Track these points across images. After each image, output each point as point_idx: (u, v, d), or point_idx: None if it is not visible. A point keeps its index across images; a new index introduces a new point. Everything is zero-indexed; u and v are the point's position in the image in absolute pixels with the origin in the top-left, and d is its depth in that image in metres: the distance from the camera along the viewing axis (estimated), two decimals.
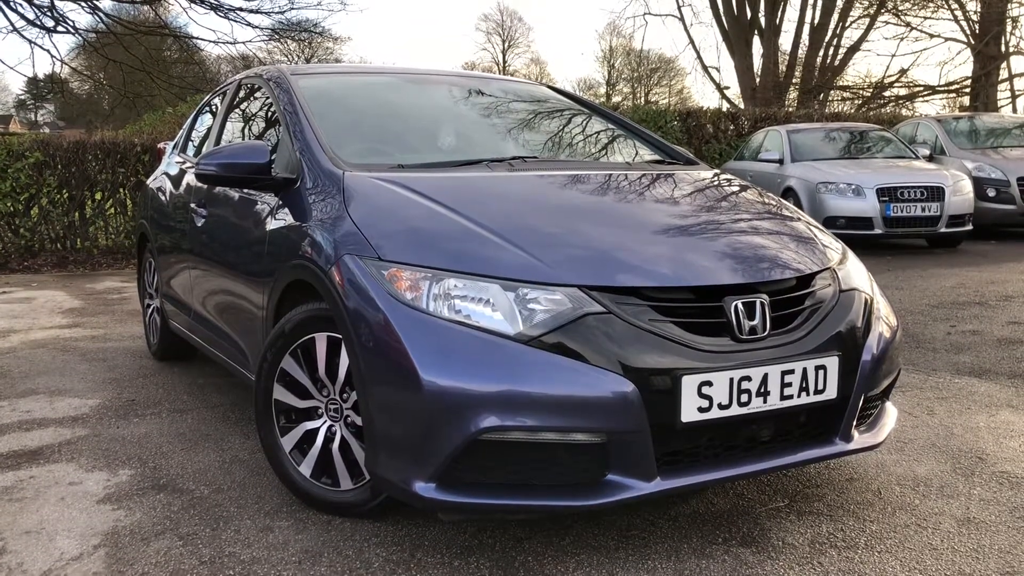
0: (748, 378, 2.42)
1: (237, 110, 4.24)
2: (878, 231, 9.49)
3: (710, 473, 2.45)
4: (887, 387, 2.97)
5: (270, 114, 3.73)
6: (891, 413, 3.03)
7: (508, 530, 2.62)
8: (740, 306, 2.47)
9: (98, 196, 10.71)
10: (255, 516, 2.79)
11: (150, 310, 5.21)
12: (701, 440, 2.45)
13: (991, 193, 10.85)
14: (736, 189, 3.38)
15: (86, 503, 2.92)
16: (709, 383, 2.37)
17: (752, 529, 2.67)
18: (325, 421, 2.80)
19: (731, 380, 2.40)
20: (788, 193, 10.29)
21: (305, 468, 2.82)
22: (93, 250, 10.54)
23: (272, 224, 3.16)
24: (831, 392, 2.58)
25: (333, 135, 3.28)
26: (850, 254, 3.08)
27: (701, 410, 2.36)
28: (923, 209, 9.45)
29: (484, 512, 2.40)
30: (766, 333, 2.49)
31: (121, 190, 10.80)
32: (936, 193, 9.48)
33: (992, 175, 10.92)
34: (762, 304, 2.50)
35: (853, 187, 9.60)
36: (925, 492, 2.95)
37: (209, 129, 4.56)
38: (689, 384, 2.34)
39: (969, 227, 9.78)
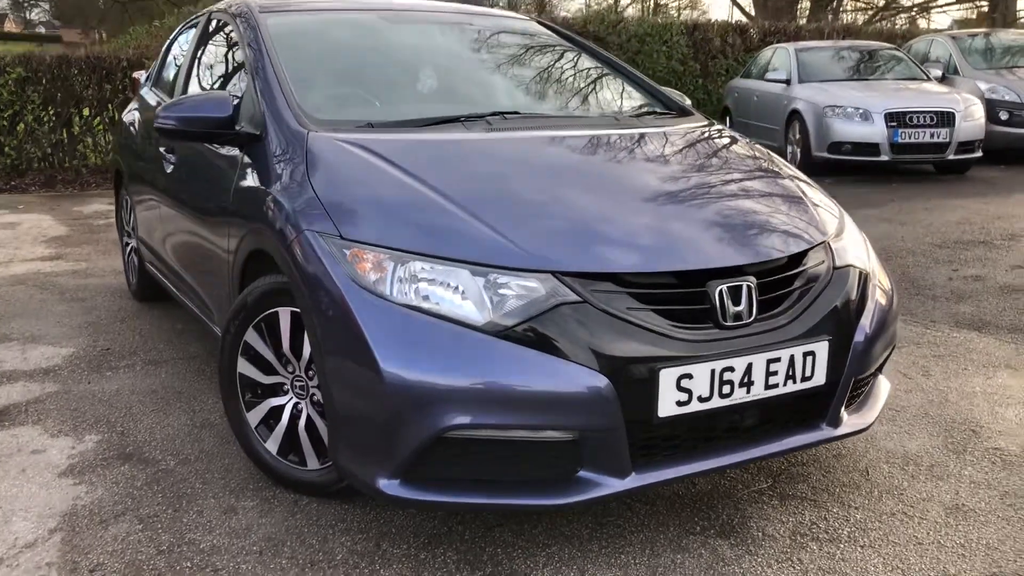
0: (731, 368, 2.29)
1: (206, 48, 4.00)
2: (884, 158, 9.23)
3: (687, 466, 2.34)
4: (880, 365, 2.84)
5: (237, 56, 3.50)
6: (883, 389, 2.91)
7: (478, 517, 2.53)
8: (725, 291, 2.31)
9: (85, 113, 10.42)
10: (220, 494, 2.70)
11: (128, 249, 5.06)
12: (679, 433, 2.33)
13: (1003, 116, 10.53)
14: (728, 148, 3.18)
15: (47, 476, 2.83)
16: (689, 375, 2.23)
17: (732, 516, 2.57)
18: (291, 398, 2.68)
19: (712, 372, 2.26)
20: (794, 116, 9.99)
21: (271, 445, 2.71)
22: (82, 169, 10.33)
23: (237, 181, 2.98)
24: (819, 379, 2.45)
25: (301, 85, 3.07)
26: (847, 221, 2.90)
27: (680, 404, 2.24)
28: (932, 135, 9.16)
29: (450, 509, 2.30)
30: (752, 319, 2.34)
31: (109, 106, 10.50)
32: (946, 119, 9.18)
33: (1006, 97, 10.57)
34: (749, 288, 2.35)
35: (861, 111, 9.29)
36: (915, 472, 2.84)
37: (179, 66, 4.33)
38: (667, 378, 2.21)
39: (978, 154, 9.51)
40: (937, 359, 3.94)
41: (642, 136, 3.09)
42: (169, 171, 3.78)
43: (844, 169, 9.57)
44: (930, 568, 2.32)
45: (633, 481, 2.26)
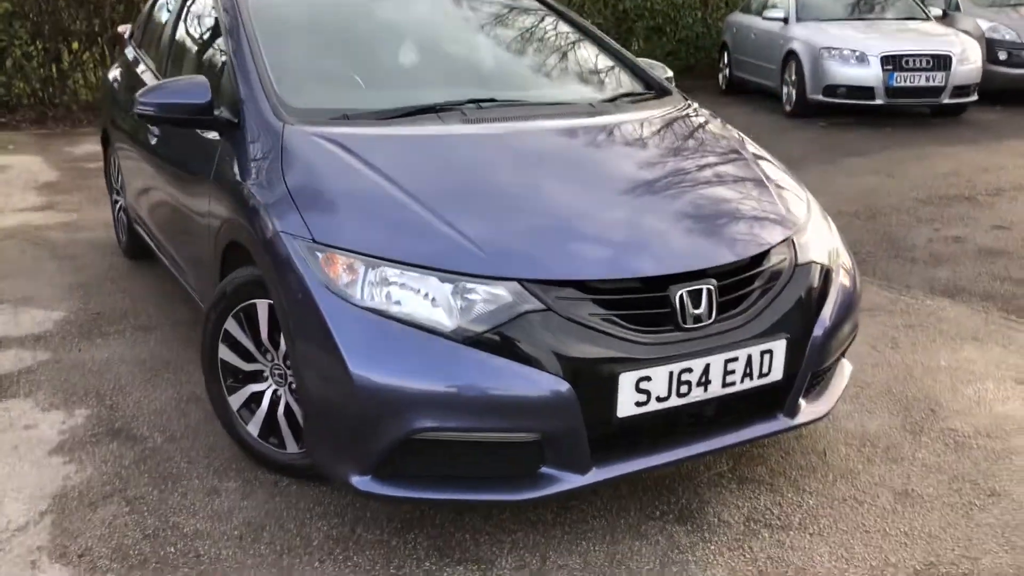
0: (689, 370, 2.39)
1: (188, 20, 3.99)
2: (879, 102, 9.19)
3: (646, 460, 2.46)
4: (841, 354, 2.94)
5: (218, 34, 3.50)
6: (844, 373, 3.01)
7: None
8: (686, 295, 2.40)
9: (74, 47, 10.31)
10: (204, 475, 2.82)
11: (117, 207, 5.11)
12: (639, 430, 2.44)
13: (1003, 56, 10.43)
14: (700, 137, 3.22)
15: (39, 453, 2.96)
16: (648, 378, 2.33)
17: (691, 500, 2.71)
18: (271, 385, 2.79)
19: (671, 373, 2.36)
20: (791, 57, 9.90)
21: (253, 428, 2.83)
22: (72, 105, 10.26)
23: (216, 165, 3.03)
24: (776, 375, 2.55)
25: (280, 69, 3.10)
26: (814, 209, 2.96)
27: (639, 404, 2.35)
28: (928, 79, 9.10)
29: (420, 504, 2.42)
30: (712, 320, 2.43)
31: (99, 40, 10.38)
32: (943, 62, 9.10)
33: (1006, 36, 10.46)
34: (709, 291, 2.43)
35: (857, 54, 9.21)
36: (870, 455, 2.97)
37: (163, 27, 4.31)
38: (627, 381, 2.31)
39: (974, 97, 9.45)
40: (907, 329, 4.04)
41: (616, 127, 3.13)
42: (153, 143, 3.82)
43: (839, 111, 9.53)
44: (873, 557, 2.45)
45: (593, 476, 2.38)
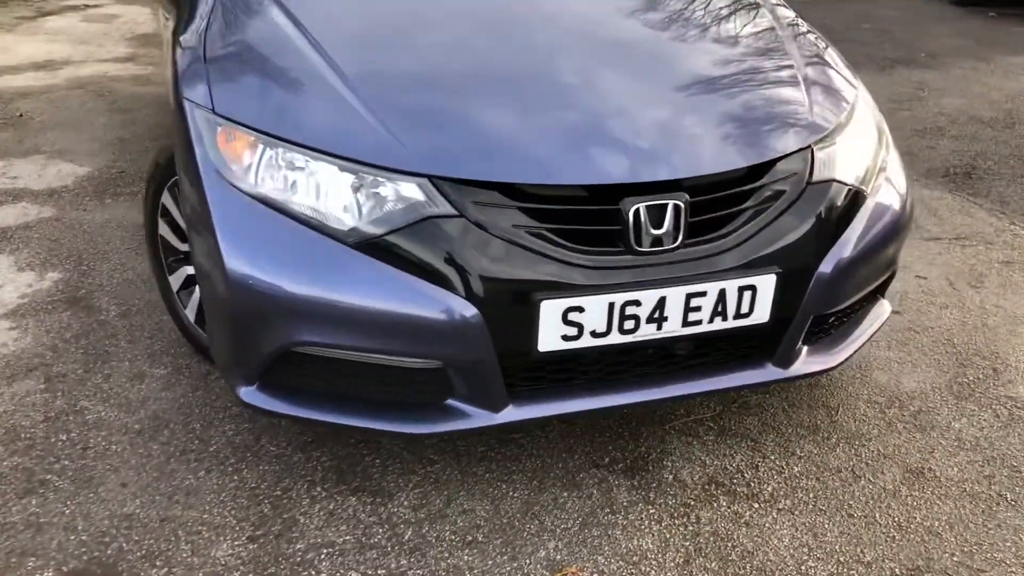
0: (636, 302, 1.95)
1: None
2: None
3: (577, 402, 2.07)
4: (873, 291, 2.42)
5: None
6: (877, 315, 2.48)
7: None
8: (644, 211, 1.94)
9: None
10: (138, 357, 2.63)
11: None
12: (571, 367, 2.05)
13: None
14: (729, 9, 2.64)
15: None
16: (579, 308, 1.92)
17: (651, 450, 2.31)
18: None
19: (611, 305, 1.94)
20: None
21: (190, 312, 2.60)
22: None
23: (173, 26, 2.73)
24: (760, 316, 2.08)
25: None
26: (861, 116, 2.38)
27: (567, 338, 1.94)
28: None
29: (310, 425, 2.14)
30: (676, 244, 1.97)
31: None
32: None
33: None
34: (677, 208, 1.96)
35: None
36: (893, 419, 2.46)
37: None
38: (550, 310, 1.90)
39: None
40: (1003, 267, 3.38)
41: None
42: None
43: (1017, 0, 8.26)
44: (842, 551, 2.01)
45: (509, 415, 2.02)
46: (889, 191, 2.34)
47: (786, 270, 2.06)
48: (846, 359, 2.33)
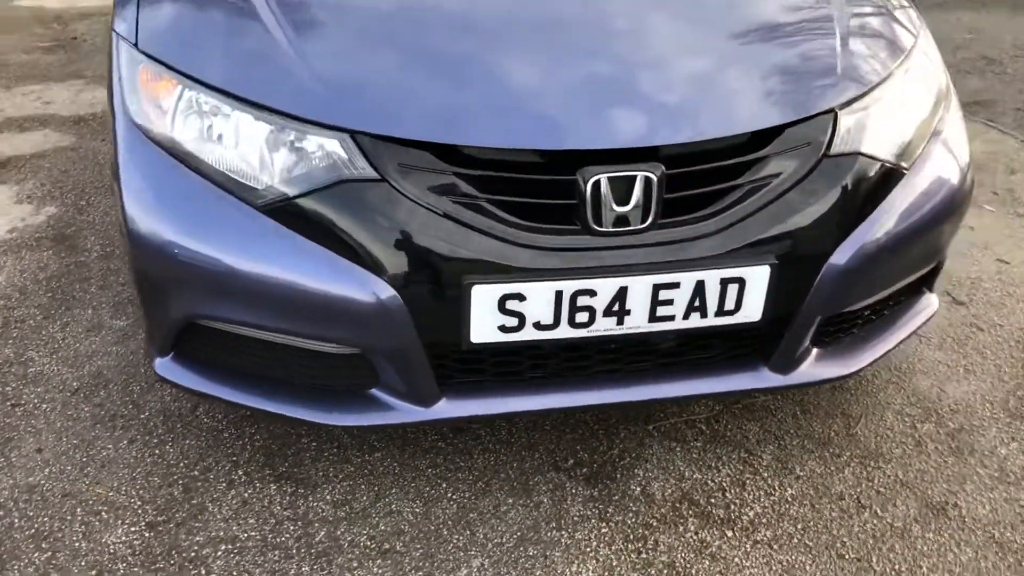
0: (590, 292, 1.65)
1: None
2: None
3: (527, 400, 1.79)
4: (915, 283, 2.04)
5: None
6: (918, 313, 2.09)
7: None
8: (606, 184, 1.62)
9: None
10: (102, 306, 2.49)
11: None
12: (518, 360, 1.77)
13: None
14: None
15: None
16: (519, 296, 1.63)
17: (625, 454, 2.01)
18: None
19: (558, 294, 1.64)
20: None
21: None
22: None
23: None
24: (751, 314, 1.75)
25: None
26: (912, 63, 1.96)
27: (505, 329, 1.66)
28: None
29: (229, 406, 1.92)
30: (646, 224, 1.65)
31: None
32: None
33: None
34: (648, 181, 1.63)
35: None
36: (923, 438, 2.08)
37: None
38: (483, 297, 1.62)
39: None
40: None
41: None
42: None
43: None
44: None
45: (441, 412, 1.76)
46: (941, 162, 1.93)
47: (785, 261, 1.70)
48: (867, 365, 1.95)
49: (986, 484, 1.95)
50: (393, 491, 1.89)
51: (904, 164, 1.85)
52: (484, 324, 1.64)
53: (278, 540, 1.77)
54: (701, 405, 2.14)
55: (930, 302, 2.12)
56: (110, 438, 2.01)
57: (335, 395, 1.79)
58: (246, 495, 1.87)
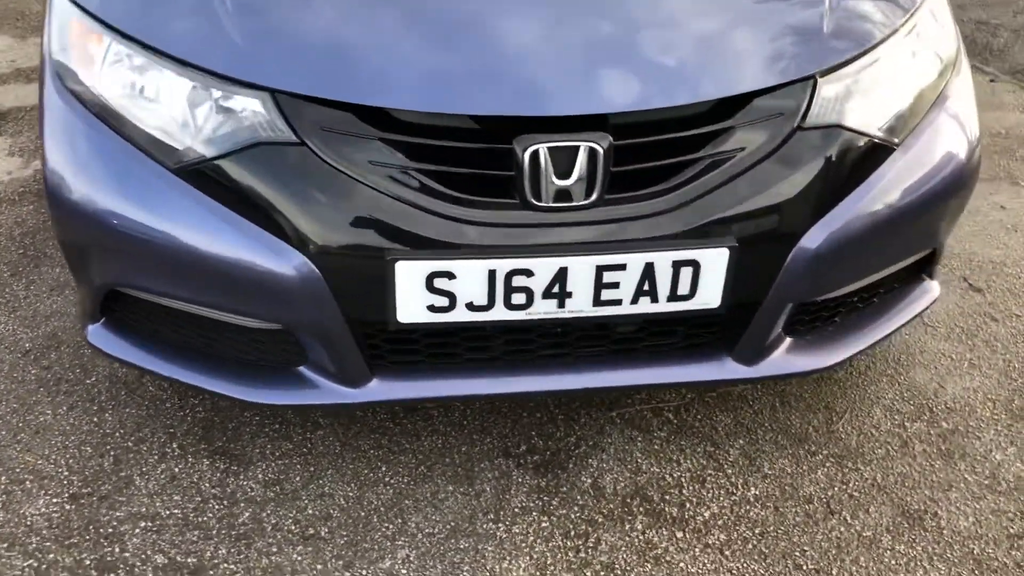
0: (527, 272, 1.52)
1: None
2: None
3: (466, 384, 1.68)
4: (914, 269, 1.87)
5: None
6: (911, 302, 1.91)
7: None
8: (544, 154, 1.48)
9: None
10: (54, 271, 2.42)
11: None
12: (456, 341, 1.65)
13: None
14: None
15: None
16: (448, 274, 1.51)
17: (583, 441, 1.89)
18: None
19: (491, 273, 1.52)
20: None
21: None
22: None
23: None
24: (706, 300, 1.60)
25: None
26: (916, 22, 1.76)
27: (435, 309, 1.54)
28: None
29: (156, 378, 1.85)
30: (591, 200, 1.51)
31: None
32: None
33: None
34: (592, 153, 1.48)
35: None
36: (912, 438, 1.92)
37: None
38: (409, 274, 1.50)
39: None
40: None
41: None
42: None
43: None
44: None
45: (372, 394, 1.67)
46: (942, 137, 1.75)
47: (747, 243, 1.55)
48: (849, 358, 1.79)
49: (973, 492, 1.78)
50: (329, 472, 1.80)
51: (895, 139, 1.67)
52: (411, 303, 1.53)
53: (200, 519, 1.69)
54: (671, 392, 2.00)
55: (928, 290, 1.93)
56: (50, 403, 1.95)
57: (263, 371, 1.70)
58: (176, 469, 1.79)
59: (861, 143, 1.63)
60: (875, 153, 1.65)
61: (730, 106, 1.55)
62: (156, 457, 1.82)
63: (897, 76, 1.70)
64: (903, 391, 2.03)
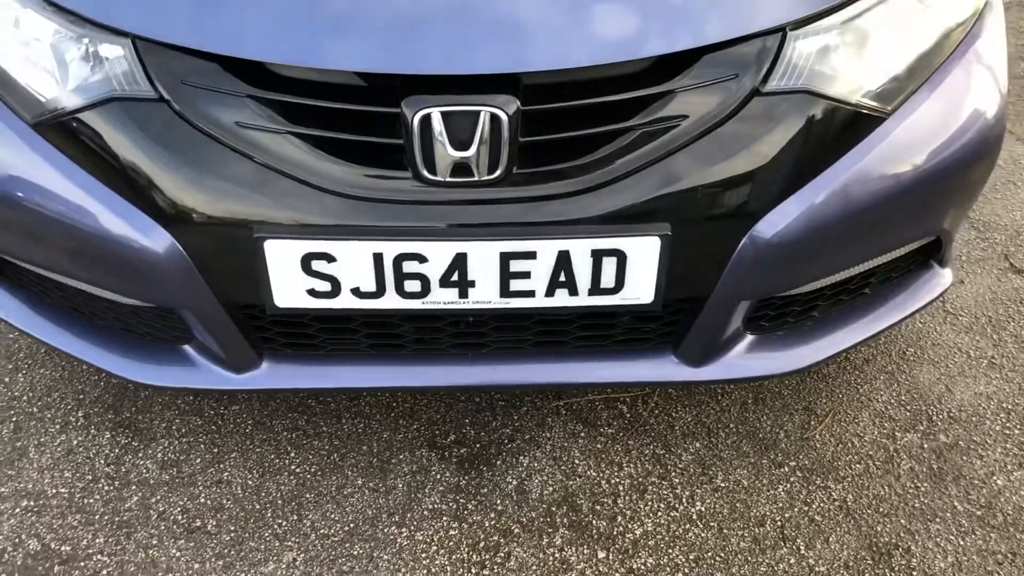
0: (420, 257, 1.31)
1: None
2: None
3: (366, 374, 1.51)
4: (923, 254, 1.60)
5: None
6: (916, 292, 1.64)
7: None
8: (437, 120, 1.25)
9: None
10: None
11: None
12: (356, 328, 1.47)
13: None
14: None
15: None
16: (327, 256, 1.31)
17: (519, 434, 1.70)
18: None
19: (377, 257, 1.31)
20: None
21: None
22: None
23: None
24: (636, 294, 1.37)
25: None
26: None
27: (316, 294, 1.35)
28: None
29: (40, 344, 1.71)
30: (496, 174, 1.28)
31: None
32: None
33: None
34: (495, 119, 1.25)
35: None
36: (899, 452, 1.66)
37: None
38: (281, 254, 1.32)
39: None
40: None
41: None
42: None
43: None
44: None
45: (256, 381, 1.51)
46: (954, 97, 1.45)
47: (684, 230, 1.30)
48: (825, 359, 1.54)
49: (960, 526, 1.52)
50: (232, 455, 1.65)
51: (886, 106, 1.38)
52: (288, 286, 1.34)
53: (86, 502, 1.57)
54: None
55: (937, 279, 1.64)
56: None
57: (151, 347, 1.55)
58: (75, 442, 1.67)
59: (839, 112, 1.34)
60: (857, 123, 1.36)
61: (672, 66, 1.28)
62: (58, 427, 1.70)
63: (897, 30, 1.39)
64: (901, 393, 1.76)
